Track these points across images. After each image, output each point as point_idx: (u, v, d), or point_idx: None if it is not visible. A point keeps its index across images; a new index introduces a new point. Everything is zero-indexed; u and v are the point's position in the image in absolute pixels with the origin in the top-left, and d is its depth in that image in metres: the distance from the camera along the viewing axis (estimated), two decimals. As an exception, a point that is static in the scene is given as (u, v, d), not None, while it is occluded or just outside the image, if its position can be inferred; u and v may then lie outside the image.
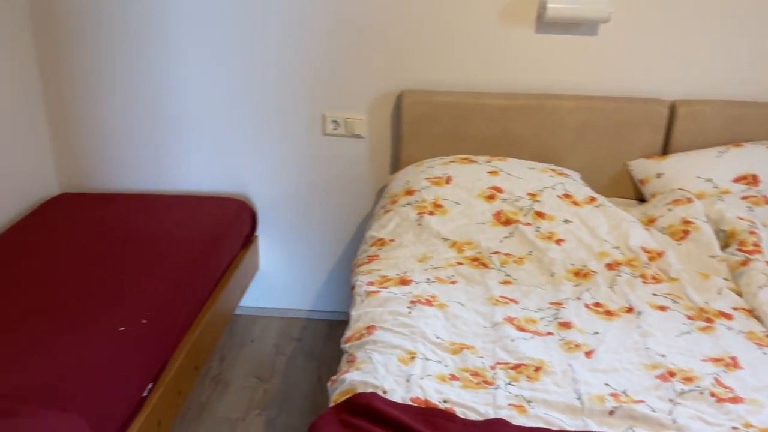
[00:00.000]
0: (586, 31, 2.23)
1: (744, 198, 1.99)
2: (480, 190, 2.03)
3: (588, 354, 1.44)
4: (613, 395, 1.30)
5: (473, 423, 1.21)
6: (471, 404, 1.26)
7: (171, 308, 1.82)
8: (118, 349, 1.57)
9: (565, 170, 2.17)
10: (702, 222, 1.89)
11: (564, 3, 2.13)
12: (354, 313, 1.60)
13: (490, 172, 2.09)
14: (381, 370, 1.34)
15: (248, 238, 2.54)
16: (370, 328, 1.50)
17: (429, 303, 1.60)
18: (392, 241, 1.94)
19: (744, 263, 1.76)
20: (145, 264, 1.97)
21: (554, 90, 2.31)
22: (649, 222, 2.00)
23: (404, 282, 1.70)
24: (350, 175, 2.49)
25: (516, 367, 1.39)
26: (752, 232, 1.82)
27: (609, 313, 1.62)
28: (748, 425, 1.22)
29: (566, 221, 1.92)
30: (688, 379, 1.35)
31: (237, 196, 2.55)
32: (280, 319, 2.71)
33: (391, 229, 1.98)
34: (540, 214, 1.94)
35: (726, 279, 1.74)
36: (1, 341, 1.54)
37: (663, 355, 1.44)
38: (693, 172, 2.11)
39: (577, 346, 1.48)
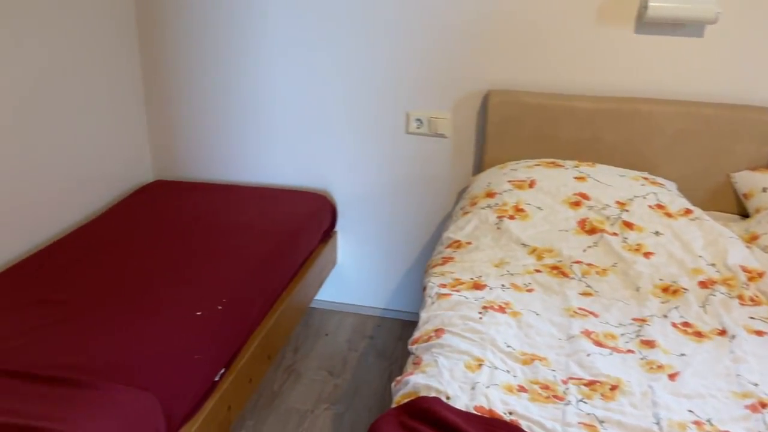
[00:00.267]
0: (691, 32, 2.09)
1: None
2: (565, 196, 1.95)
3: (672, 377, 1.34)
4: (696, 423, 1.20)
5: (539, 439, 1.16)
6: (538, 418, 1.20)
7: (247, 296, 1.86)
8: (193, 333, 1.61)
9: (659, 179, 2.05)
10: (812, 242, 1.73)
11: (667, 2, 2.00)
12: (423, 314, 1.57)
13: (576, 178, 2.00)
14: (446, 374, 1.30)
15: (327, 233, 2.56)
16: (438, 331, 1.47)
17: (502, 310, 1.54)
18: (469, 243, 1.89)
19: None
20: (226, 252, 2.02)
21: (651, 94, 2.18)
22: (752, 239, 1.84)
23: (477, 286, 1.65)
24: (431, 175, 2.46)
25: (590, 383, 1.32)
26: None
27: (699, 334, 1.51)
28: None
29: (657, 233, 1.80)
30: (784, 414, 1.23)
31: (318, 191, 2.57)
32: (354, 315, 2.71)
33: (469, 231, 1.94)
34: (628, 224, 1.83)
35: (837, 306, 1.58)
36: (84, 319, 1.62)
37: (756, 384, 1.32)
38: (805, 187, 1.94)
39: (660, 367, 1.38)
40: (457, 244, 1.91)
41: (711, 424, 1.20)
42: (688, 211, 1.87)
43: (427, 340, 1.45)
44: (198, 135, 2.61)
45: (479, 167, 2.38)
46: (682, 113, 2.10)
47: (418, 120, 2.40)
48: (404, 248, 2.60)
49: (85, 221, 2.28)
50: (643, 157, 2.16)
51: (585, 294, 1.66)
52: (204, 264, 1.93)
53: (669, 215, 1.85)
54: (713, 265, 1.72)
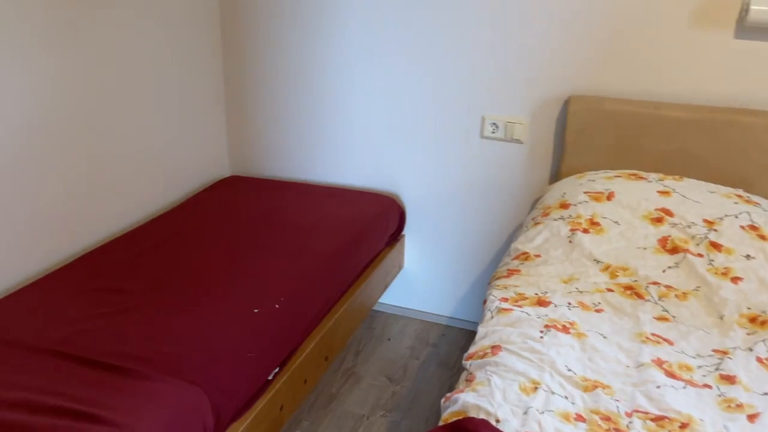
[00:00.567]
0: (800, 37, 1.90)
1: None
2: (646, 211, 1.81)
3: (751, 418, 1.21)
4: (778, 475, 1.07)
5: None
6: (594, 453, 1.10)
7: (306, 296, 1.85)
8: (248, 330, 1.61)
9: (755, 198, 1.87)
10: None
11: (773, 4, 1.83)
12: (481, 329, 1.49)
13: (660, 192, 1.86)
14: (498, 395, 1.23)
15: (395, 236, 2.52)
16: (495, 348, 1.39)
17: (566, 330, 1.44)
18: (537, 256, 1.80)
19: None
20: (290, 249, 2.01)
21: (750, 104, 2.00)
22: None
23: (542, 303, 1.55)
24: (505, 182, 2.37)
25: (658, 419, 1.20)
26: None
27: (788, 372, 1.35)
28: None
29: (748, 257, 1.64)
30: None
31: (388, 193, 2.54)
32: (419, 321, 2.66)
33: (539, 243, 1.84)
34: (715, 245, 1.68)
35: None
36: (146, 308, 1.65)
37: None
38: None
39: (740, 406, 1.24)
40: (524, 256, 1.82)
41: (795, 478, 1.07)
42: (785, 235, 1.69)
43: (482, 357, 1.38)
44: (273, 133, 2.64)
45: (556, 176, 2.27)
46: (786, 126, 1.91)
47: (494, 124, 2.31)
48: (474, 256, 2.51)
49: (162, 212, 2.35)
50: (737, 172, 1.98)
51: (660, 319, 1.53)
52: (267, 260, 1.94)
53: (763, 237, 1.68)
54: (812, 296, 1.55)
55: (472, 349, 1.44)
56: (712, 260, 1.66)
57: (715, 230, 1.71)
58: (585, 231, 1.81)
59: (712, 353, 1.41)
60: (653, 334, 1.46)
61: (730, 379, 1.32)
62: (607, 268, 1.72)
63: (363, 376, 2.32)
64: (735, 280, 1.60)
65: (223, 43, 2.58)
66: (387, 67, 2.38)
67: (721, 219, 1.74)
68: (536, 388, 1.25)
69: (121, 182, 2.19)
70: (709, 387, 1.30)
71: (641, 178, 1.95)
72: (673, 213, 1.79)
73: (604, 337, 1.44)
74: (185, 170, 2.51)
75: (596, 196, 1.89)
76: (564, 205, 1.91)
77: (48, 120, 1.88)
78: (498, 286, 1.66)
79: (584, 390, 1.27)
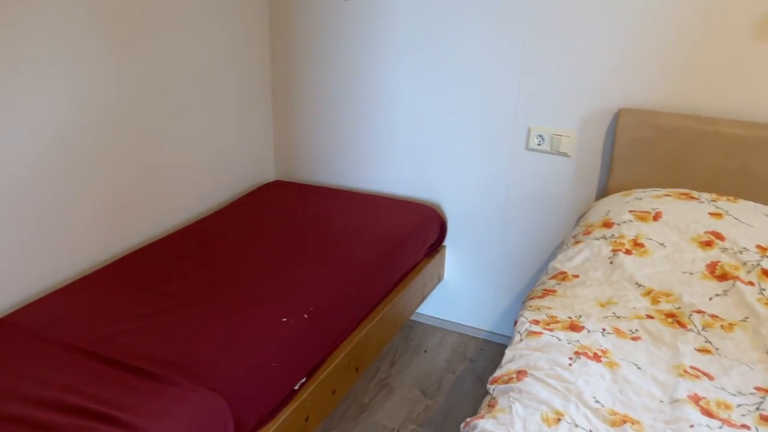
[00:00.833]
0: None
1: None
2: (695, 234, 1.72)
3: (794, 467, 1.12)
4: None
5: None
6: (614, 494, 1.05)
7: (338, 306, 1.84)
8: (275, 340, 1.61)
9: (817, 223, 1.74)
10: None
11: None
12: (509, 352, 1.45)
13: (712, 214, 1.76)
14: (518, 425, 1.18)
15: (435, 247, 2.48)
16: (520, 373, 1.34)
17: (597, 358, 1.38)
18: (576, 277, 1.73)
19: None
20: (327, 258, 2.01)
21: (818, 123, 1.87)
22: None
23: (574, 327, 1.49)
24: (550, 196, 2.30)
25: (688, 460, 1.13)
26: None
27: (841, 418, 1.25)
28: None
29: (804, 288, 1.53)
30: None
31: (429, 202, 2.50)
32: (458, 334, 2.61)
33: (578, 263, 1.77)
34: (768, 274, 1.58)
35: None
36: (178, 312, 1.68)
37: None
38: None
39: (781, 453, 1.15)
40: (562, 276, 1.75)
41: None
42: None
43: (507, 382, 1.34)
44: (318, 139, 2.64)
45: (603, 192, 2.18)
46: None
47: (540, 136, 2.24)
48: (516, 271, 2.45)
49: (207, 214, 2.39)
50: (799, 195, 1.86)
51: (702, 350, 1.44)
52: (302, 268, 1.94)
53: (823, 268, 1.57)
54: None
55: (497, 373, 1.40)
56: (764, 289, 1.55)
57: (770, 257, 1.61)
58: (627, 252, 1.73)
59: (755, 391, 1.32)
60: (692, 367, 1.38)
61: (773, 422, 1.23)
62: (648, 292, 1.63)
63: (396, 387, 2.29)
64: (788, 312, 1.50)
65: (271, 51, 2.60)
66: (432, 76, 2.35)
67: (777, 245, 1.63)
68: (559, 420, 1.20)
69: (168, 184, 2.24)
70: (748, 428, 1.21)
71: (692, 197, 1.85)
72: (724, 237, 1.69)
73: (639, 368, 1.37)
74: (232, 174, 2.55)
75: (642, 216, 1.81)
76: (607, 224, 1.83)
77: (101, 123, 1.94)
78: (530, 307, 1.61)
79: (611, 425, 1.21)
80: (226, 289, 1.81)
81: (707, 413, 1.24)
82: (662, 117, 1.99)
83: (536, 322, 1.52)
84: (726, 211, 1.76)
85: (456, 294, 2.59)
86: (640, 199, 1.88)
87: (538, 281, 1.80)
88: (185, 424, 1.32)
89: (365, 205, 2.42)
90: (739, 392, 1.31)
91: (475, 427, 1.21)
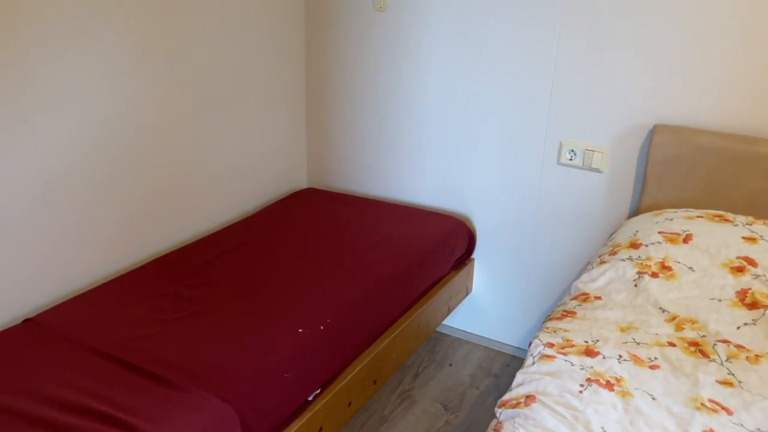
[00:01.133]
0: None
1: None
2: (726, 259, 1.65)
3: None
4: None
5: None
6: None
7: (357, 318, 1.84)
8: (289, 350, 1.62)
9: None
10: None
11: None
12: (519, 375, 1.42)
13: (746, 238, 1.69)
14: (519, 453, 1.16)
15: (463, 259, 2.45)
16: (528, 398, 1.31)
17: (609, 386, 1.34)
18: (598, 298, 1.68)
19: None
20: (351, 268, 2.01)
21: None
22: None
23: (589, 353, 1.45)
24: (581, 212, 2.24)
25: (696, 501, 1.08)
26: None
27: None
28: None
29: (840, 321, 1.45)
30: None
31: (458, 214, 2.48)
32: (484, 348, 2.58)
33: (601, 284, 1.73)
34: (803, 305, 1.50)
35: None
36: (197, 318, 1.71)
37: None
38: None
39: (799, 499, 1.09)
40: (584, 297, 1.71)
41: None
42: None
43: (515, 406, 1.31)
44: (350, 148, 2.66)
45: (636, 210, 2.12)
46: None
47: (572, 151, 2.20)
48: (544, 287, 2.40)
49: (238, 220, 2.43)
50: (843, 221, 1.76)
51: (724, 383, 1.38)
52: (324, 279, 1.94)
53: None
54: None
55: (506, 396, 1.37)
56: (797, 321, 1.48)
57: (806, 287, 1.53)
58: (654, 275, 1.67)
59: (777, 431, 1.25)
60: (710, 400, 1.32)
61: (793, 464, 1.16)
62: (673, 318, 1.58)
63: (418, 400, 2.28)
64: (821, 346, 1.42)
65: (306, 60, 2.63)
66: (464, 88, 2.33)
67: (815, 274, 1.55)
68: (562, 450, 1.16)
69: (201, 189, 2.28)
70: (766, 471, 1.15)
71: (726, 220, 1.77)
72: (757, 263, 1.61)
73: (653, 399, 1.32)
74: (265, 180, 2.59)
75: (672, 238, 1.75)
76: (634, 245, 1.78)
77: (137, 127, 1.99)
78: (547, 328, 1.57)
79: (617, 457, 1.17)
80: (248, 297, 1.83)
81: (722, 451, 1.19)
82: (700, 135, 1.92)
83: (551, 345, 1.48)
84: (761, 236, 1.68)
85: (484, 308, 2.55)
86: (671, 219, 1.82)
87: (560, 300, 1.76)
88: (193, 432, 1.34)
89: (394, 216, 2.42)
90: (759, 429, 1.25)
91: (476, 452, 1.19)
